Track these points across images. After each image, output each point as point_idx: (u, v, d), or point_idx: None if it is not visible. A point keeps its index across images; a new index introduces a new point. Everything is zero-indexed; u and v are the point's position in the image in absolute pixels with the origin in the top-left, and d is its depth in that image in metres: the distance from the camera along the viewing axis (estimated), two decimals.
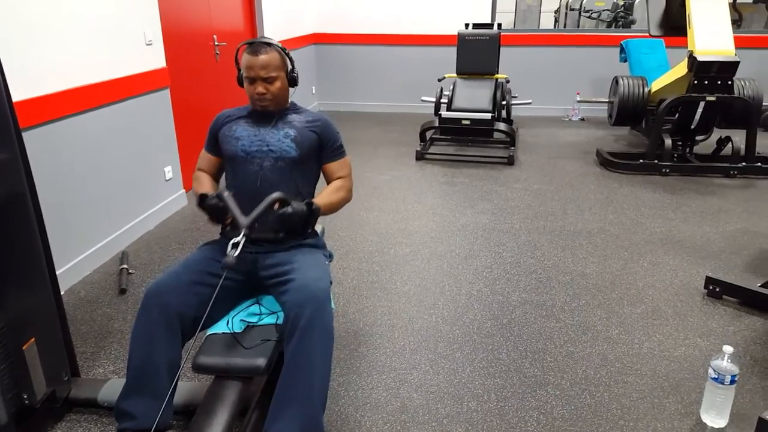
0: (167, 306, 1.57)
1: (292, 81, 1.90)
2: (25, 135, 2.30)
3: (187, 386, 1.90)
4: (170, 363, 1.57)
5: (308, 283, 1.59)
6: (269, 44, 1.83)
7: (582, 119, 6.42)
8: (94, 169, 2.94)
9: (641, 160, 4.46)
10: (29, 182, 1.74)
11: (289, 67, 1.89)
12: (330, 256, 1.93)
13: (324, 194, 1.87)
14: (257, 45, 1.81)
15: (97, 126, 2.95)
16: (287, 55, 1.88)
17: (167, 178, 3.64)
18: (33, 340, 1.68)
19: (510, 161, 4.72)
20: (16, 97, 2.34)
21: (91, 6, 2.87)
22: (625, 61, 5.65)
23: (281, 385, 1.53)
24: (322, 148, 1.91)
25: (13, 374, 1.62)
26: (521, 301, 2.58)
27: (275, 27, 5.46)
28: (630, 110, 4.78)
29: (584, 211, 3.67)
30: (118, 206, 3.16)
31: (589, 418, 1.84)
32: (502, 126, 4.86)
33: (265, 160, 1.82)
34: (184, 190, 3.86)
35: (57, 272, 2.50)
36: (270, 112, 1.88)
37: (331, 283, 1.74)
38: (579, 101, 5.93)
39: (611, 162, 4.58)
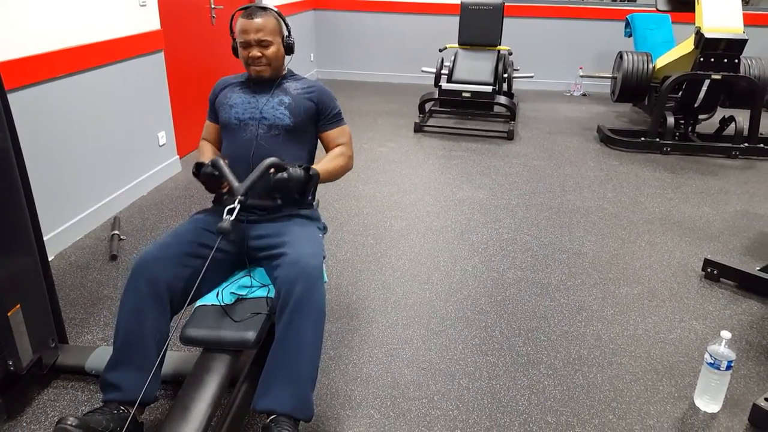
0: (156, 278, 1.53)
1: (288, 48, 1.87)
2: (12, 96, 2.22)
3: (175, 356, 1.88)
4: (158, 336, 1.54)
5: (300, 258, 1.54)
6: (265, 8, 1.81)
7: (584, 94, 6.31)
8: (86, 133, 2.86)
9: (642, 138, 4.40)
10: (14, 143, 1.67)
11: (285, 33, 1.86)
12: (324, 229, 1.88)
13: (323, 161, 1.83)
14: (252, 9, 1.80)
15: (89, 89, 2.86)
16: (284, 20, 1.85)
17: (161, 144, 3.56)
18: (18, 306, 1.64)
19: (509, 136, 4.65)
20: (1, 56, 2.26)
21: None
22: (630, 36, 5.53)
23: (271, 361, 1.50)
24: (319, 115, 1.88)
25: None
26: (516, 278, 2.55)
27: None
28: (633, 86, 4.68)
29: (583, 189, 3.62)
30: (110, 171, 3.09)
31: (582, 399, 1.83)
32: (502, 99, 4.77)
33: (259, 127, 1.79)
34: (177, 156, 3.78)
35: (47, 237, 2.47)
36: (265, 78, 1.84)
37: (324, 257, 1.70)
38: (582, 76, 5.82)
39: (612, 139, 4.51)
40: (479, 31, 5.09)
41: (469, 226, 3.08)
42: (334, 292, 2.40)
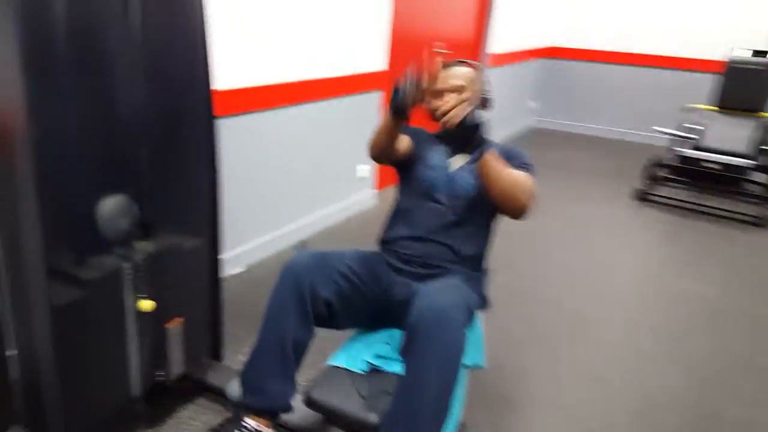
0: (300, 281, 1.47)
1: (483, 102, 1.67)
2: (226, 121, 2.38)
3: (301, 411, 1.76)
4: (298, 338, 1.48)
5: (433, 293, 1.37)
6: (463, 61, 1.68)
7: None
8: (285, 159, 2.97)
9: None
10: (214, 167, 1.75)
11: (483, 86, 1.68)
12: (484, 301, 1.64)
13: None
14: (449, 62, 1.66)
15: (301, 119, 2.98)
16: (482, 73, 1.70)
17: (359, 176, 3.63)
18: (179, 319, 1.70)
19: (762, 222, 3.70)
20: (238, 84, 2.45)
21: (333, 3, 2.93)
22: None
23: (392, 406, 1.34)
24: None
25: (153, 350, 1.65)
26: (743, 421, 1.89)
27: (503, 38, 5.12)
28: None
29: None
30: (303, 196, 3.21)
31: None
32: (760, 177, 3.86)
33: (446, 197, 1.65)
34: (376, 190, 3.83)
35: (230, 254, 2.60)
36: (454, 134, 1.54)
37: (471, 311, 1.46)
38: None
39: None
40: (743, 94, 4.30)
41: (686, 330, 2.44)
42: (491, 375, 2.07)
